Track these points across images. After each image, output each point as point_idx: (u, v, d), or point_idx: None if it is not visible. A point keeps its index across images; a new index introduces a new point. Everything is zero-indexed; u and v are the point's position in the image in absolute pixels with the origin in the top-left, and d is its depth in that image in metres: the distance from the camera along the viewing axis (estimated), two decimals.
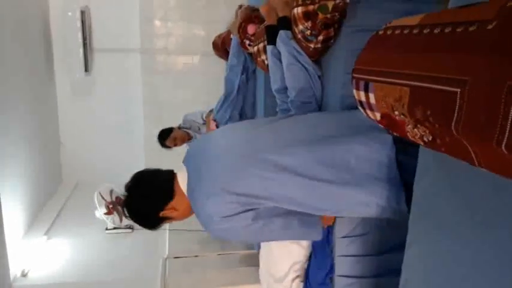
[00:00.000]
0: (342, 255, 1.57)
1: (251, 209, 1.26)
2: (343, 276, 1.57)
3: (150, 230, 1.49)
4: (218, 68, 4.03)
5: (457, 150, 0.68)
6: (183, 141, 3.69)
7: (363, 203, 1.25)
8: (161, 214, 1.40)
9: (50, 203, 4.36)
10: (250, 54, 2.70)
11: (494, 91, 0.55)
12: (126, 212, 1.44)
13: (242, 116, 3.15)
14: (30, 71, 4.10)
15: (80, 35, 4.40)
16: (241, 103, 3.09)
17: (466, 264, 0.84)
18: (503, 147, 0.56)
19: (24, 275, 3.16)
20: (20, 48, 3.85)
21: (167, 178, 1.41)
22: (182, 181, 1.38)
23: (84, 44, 4.49)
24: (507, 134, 0.55)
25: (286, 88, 1.83)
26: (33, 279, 3.18)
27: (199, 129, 3.78)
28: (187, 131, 3.74)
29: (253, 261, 2.48)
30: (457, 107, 0.62)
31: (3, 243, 2.97)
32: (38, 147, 4.20)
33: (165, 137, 3.64)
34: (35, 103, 4.19)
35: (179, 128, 3.78)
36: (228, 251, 3.54)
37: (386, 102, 0.82)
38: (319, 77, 1.73)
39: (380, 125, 0.91)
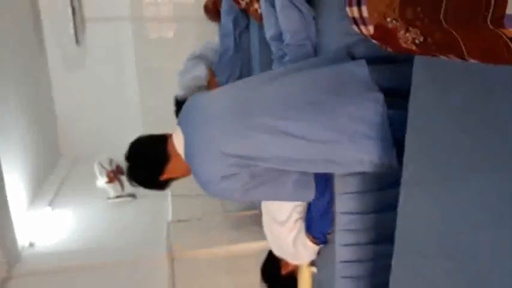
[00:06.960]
0: (343, 193, 1.59)
1: (248, 169, 1.34)
2: (344, 213, 1.60)
3: (160, 191, 1.54)
4: (211, 32, 3.96)
5: (447, 44, 0.71)
6: None
7: (356, 160, 1.32)
8: (162, 178, 1.45)
9: (51, 176, 4.38)
10: (243, 10, 2.66)
11: None
12: (130, 182, 1.50)
13: (240, 75, 3.12)
14: (20, 44, 4.03)
15: (68, 3, 4.31)
16: (240, 61, 3.04)
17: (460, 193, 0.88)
18: (488, 22, 0.58)
19: (31, 245, 3.21)
20: (9, 23, 3.77)
21: (160, 143, 1.45)
22: (178, 143, 1.41)
23: (74, 14, 4.40)
24: (492, 8, 0.57)
25: (280, 34, 1.82)
26: (40, 248, 3.23)
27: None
28: None
29: (256, 220, 2.52)
30: None
31: (9, 216, 3.00)
32: (34, 123, 4.16)
33: None
34: (26, 77, 4.13)
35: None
36: (230, 213, 3.59)
37: (378, 11, 0.84)
38: (313, 17, 1.71)
39: (373, 39, 0.93)
